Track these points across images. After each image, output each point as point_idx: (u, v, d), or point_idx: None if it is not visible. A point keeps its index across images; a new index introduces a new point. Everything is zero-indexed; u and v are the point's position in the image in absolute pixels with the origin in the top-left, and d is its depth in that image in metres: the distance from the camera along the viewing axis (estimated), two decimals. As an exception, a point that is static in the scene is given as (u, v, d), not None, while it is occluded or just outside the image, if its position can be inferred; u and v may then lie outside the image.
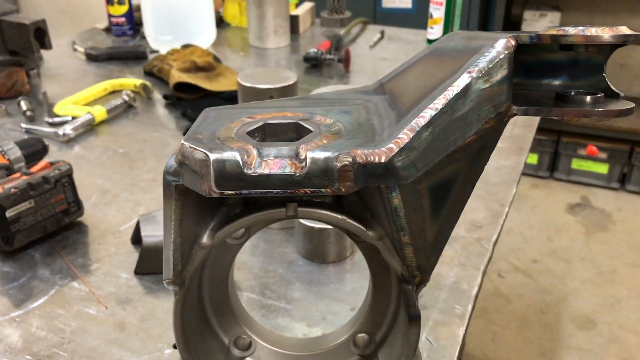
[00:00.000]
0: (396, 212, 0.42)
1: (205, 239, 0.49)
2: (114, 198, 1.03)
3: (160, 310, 0.79)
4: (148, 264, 0.85)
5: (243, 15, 1.95)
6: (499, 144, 1.19)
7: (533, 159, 3.14)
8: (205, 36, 1.74)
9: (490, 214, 0.99)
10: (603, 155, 3.01)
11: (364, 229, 0.48)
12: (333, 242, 0.86)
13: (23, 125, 1.27)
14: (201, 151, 0.37)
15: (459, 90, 0.36)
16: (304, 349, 0.61)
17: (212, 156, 0.37)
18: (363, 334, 0.59)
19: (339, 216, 0.48)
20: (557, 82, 0.41)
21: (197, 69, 1.44)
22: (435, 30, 1.68)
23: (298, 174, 0.36)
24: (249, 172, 0.37)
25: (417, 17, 2.86)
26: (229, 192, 0.37)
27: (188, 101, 1.37)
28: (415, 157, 0.36)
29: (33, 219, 0.90)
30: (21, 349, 0.72)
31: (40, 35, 1.49)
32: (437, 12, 1.61)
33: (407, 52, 1.76)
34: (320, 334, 0.73)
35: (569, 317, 2.27)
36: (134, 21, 1.87)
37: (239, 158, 0.37)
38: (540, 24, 2.95)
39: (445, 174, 0.40)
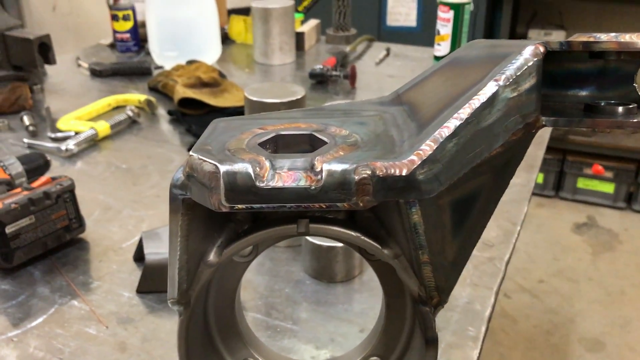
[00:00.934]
0: (415, 230, 0.40)
1: (212, 257, 0.47)
2: (116, 214, 1.01)
3: (162, 331, 0.76)
4: (151, 282, 0.82)
5: (248, 32, 1.94)
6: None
7: (538, 177, 3.11)
8: (210, 52, 1.73)
9: (502, 232, 0.96)
10: (609, 175, 2.99)
11: (379, 247, 0.46)
12: (341, 261, 0.84)
13: (25, 140, 1.26)
14: (211, 163, 0.35)
15: (485, 100, 0.33)
16: (314, 372, 0.58)
17: (222, 168, 0.34)
18: (375, 358, 0.57)
19: (353, 233, 0.46)
20: (584, 93, 0.39)
21: (202, 84, 1.43)
22: (442, 47, 1.67)
23: (313, 187, 0.34)
24: (262, 185, 0.34)
25: (421, 35, 2.86)
26: (240, 206, 0.35)
27: (193, 117, 1.36)
28: (438, 170, 0.34)
29: (33, 235, 0.87)
30: (18, 371, 0.70)
31: (44, 50, 1.48)
32: (445, 28, 1.60)
33: (413, 69, 1.74)
34: (329, 357, 0.71)
35: (576, 338, 2.23)
36: (138, 37, 1.86)
37: (250, 170, 0.34)
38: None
39: (469, 188, 0.37)
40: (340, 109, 0.45)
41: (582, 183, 3.05)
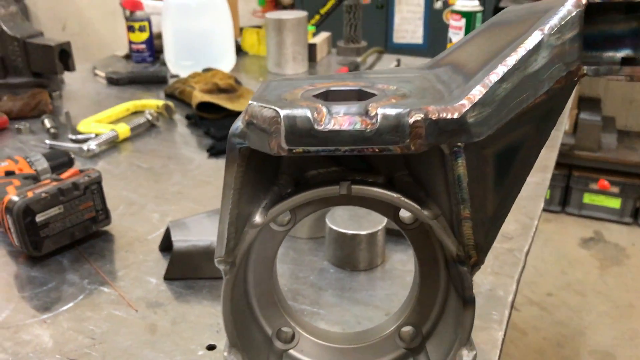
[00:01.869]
0: (459, 182, 0.41)
1: (257, 217, 0.49)
2: (140, 209, 1.03)
3: (192, 314, 0.77)
4: (178, 269, 0.84)
5: (261, 44, 1.98)
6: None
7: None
8: (225, 62, 1.76)
9: (520, 226, 0.98)
10: (615, 190, 3.00)
11: (419, 208, 0.48)
12: (365, 249, 0.85)
13: (47, 141, 1.28)
14: (271, 108, 0.37)
15: (531, 47, 0.36)
16: (348, 342, 0.59)
17: (283, 112, 0.37)
18: (409, 327, 0.58)
19: (394, 194, 0.48)
20: (619, 54, 0.41)
21: (219, 90, 1.46)
22: (452, 57, 1.69)
23: (369, 130, 0.36)
24: (319, 128, 0.36)
25: (427, 52, 2.90)
26: (298, 149, 0.37)
27: (210, 121, 1.38)
28: (487, 114, 0.36)
29: (61, 225, 0.89)
30: (52, 349, 0.71)
31: (64, 57, 1.52)
32: (456, 36, 1.64)
33: (424, 78, 1.77)
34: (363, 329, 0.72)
35: (587, 350, 2.22)
36: (153, 48, 1.90)
37: (309, 114, 0.36)
38: (550, 58, 2.99)
39: (513, 138, 0.39)
40: (382, 74, 0.47)
41: (588, 198, 3.06)
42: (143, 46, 1.87)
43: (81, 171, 0.94)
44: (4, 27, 1.51)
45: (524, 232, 0.96)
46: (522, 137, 0.40)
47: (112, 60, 1.96)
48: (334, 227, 0.85)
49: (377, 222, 0.86)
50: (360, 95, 0.42)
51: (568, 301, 2.49)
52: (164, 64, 1.83)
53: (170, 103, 1.45)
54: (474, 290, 0.80)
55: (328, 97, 0.42)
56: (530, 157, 0.41)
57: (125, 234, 0.95)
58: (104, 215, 0.95)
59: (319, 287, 0.83)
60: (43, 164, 1.07)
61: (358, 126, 0.36)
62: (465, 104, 0.36)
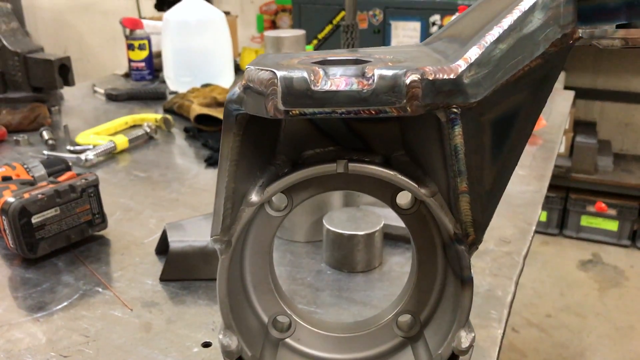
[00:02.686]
0: (456, 153, 0.42)
1: (254, 196, 0.49)
2: (137, 215, 1.03)
3: (187, 314, 0.76)
4: (174, 269, 0.83)
5: (259, 63, 1.99)
6: (520, 172, 1.19)
7: (542, 216, 3.12)
8: (224, 79, 1.77)
9: (518, 231, 0.98)
10: (612, 212, 3.00)
11: (416, 185, 0.48)
12: (362, 250, 0.85)
13: (45, 152, 1.28)
14: (268, 70, 0.37)
15: (526, 9, 0.36)
16: (345, 331, 0.58)
17: (280, 73, 0.37)
18: (406, 315, 0.58)
19: (391, 172, 0.48)
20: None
21: (217, 104, 1.47)
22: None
23: (365, 91, 0.36)
24: (316, 88, 0.37)
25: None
26: (295, 111, 0.37)
27: (209, 133, 1.39)
28: (483, 75, 0.36)
29: (57, 227, 0.89)
30: (45, 347, 0.70)
31: (64, 71, 1.53)
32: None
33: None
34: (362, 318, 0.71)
35: (587, 372, 2.20)
36: (153, 66, 1.91)
37: (306, 75, 0.37)
38: (546, 82, 3.02)
39: (509, 105, 0.40)
40: (379, 49, 0.48)
41: (585, 221, 3.06)
42: (142, 64, 1.88)
43: (78, 174, 0.94)
44: (5, 43, 1.53)
45: (522, 237, 0.96)
46: (519, 104, 0.40)
47: (112, 78, 1.98)
48: (332, 228, 0.85)
49: (374, 224, 0.86)
50: (357, 63, 0.42)
51: (568, 323, 2.47)
52: (163, 81, 1.85)
53: (169, 116, 1.46)
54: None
55: (325, 64, 0.43)
56: (527, 126, 0.41)
57: (121, 238, 0.95)
58: (101, 219, 0.94)
59: (316, 288, 0.82)
60: (40, 171, 1.07)
61: (355, 87, 0.36)
62: (462, 64, 0.36)
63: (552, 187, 3.07)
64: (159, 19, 2.08)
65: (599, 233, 3.05)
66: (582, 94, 3.18)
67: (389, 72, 0.36)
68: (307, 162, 0.50)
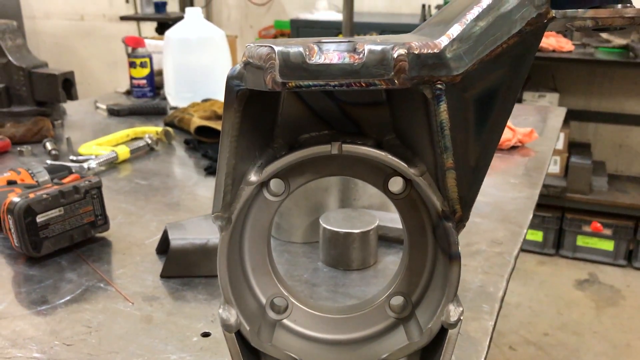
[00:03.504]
0: (442, 129, 0.45)
1: (253, 176, 0.51)
2: (138, 218, 1.05)
3: (187, 307, 0.79)
4: (175, 266, 0.85)
5: (258, 81, 2.04)
6: (513, 180, 1.22)
7: (538, 236, 3.15)
8: (223, 95, 1.81)
9: (509, 233, 1.00)
10: (608, 232, 3.02)
11: (406, 165, 0.51)
12: (358, 248, 0.87)
13: (48, 162, 1.31)
14: (266, 46, 0.40)
15: (503, -10, 0.40)
16: (340, 312, 0.61)
17: (277, 48, 0.40)
18: (399, 297, 0.60)
19: (382, 152, 0.51)
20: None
21: (217, 117, 1.50)
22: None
23: (356, 64, 0.40)
24: (311, 61, 0.40)
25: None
26: (291, 83, 0.40)
27: (209, 144, 1.42)
28: (465, 49, 0.40)
29: (61, 227, 0.91)
30: (48, 336, 0.72)
31: (67, 86, 1.57)
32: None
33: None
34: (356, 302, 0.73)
35: (585, 389, 2.20)
36: (154, 84, 1.96)
37: (302, 49, 0.40)
38: (540, 102, 3.07)
39: (490, 81, 0.43)
40: (371, 37, 0.51)
41: (581, 241, 3.08)
42: (144, 81, 1.93)
43: (82, 177, 0.97)
44: (10, 58, 1.57)
45: (513, 239, 0.98)
46: (499, 80, 0.43)
47: (113, 95, 2.02)
48: (328, 227, 0.87)
49: (369, 223, 0.89)
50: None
51: (565, 341, 2.47)
52: (164, 98, 1.89)
53: (170, 129, 1.49)
54: (463, 289, 0.82)
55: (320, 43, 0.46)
56: (507, 103, 0.44)
57: (123, 239, 0.97)
58: (103, 220, 0.97)
59: (313, 284, 0.84)
60: (44, 176, 1.10)
61: (346, 60, 0.40)
62: (444, 39, 0.40)
63: (547, 207, 3.10)
64: (161, 39, 2.13)
65: (595, 253, 3.07)
66: (576, 115, 3.23)
67: (378, 47, 0.40)
68: (303, 144, 0.53)
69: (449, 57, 0.40)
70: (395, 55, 0.39)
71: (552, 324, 2.59)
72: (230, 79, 0.44)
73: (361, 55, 0.40)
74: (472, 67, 0.41)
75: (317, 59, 0.40)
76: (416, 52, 0.40)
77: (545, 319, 2.62)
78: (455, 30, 0.40)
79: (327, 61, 0.40)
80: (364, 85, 0.40)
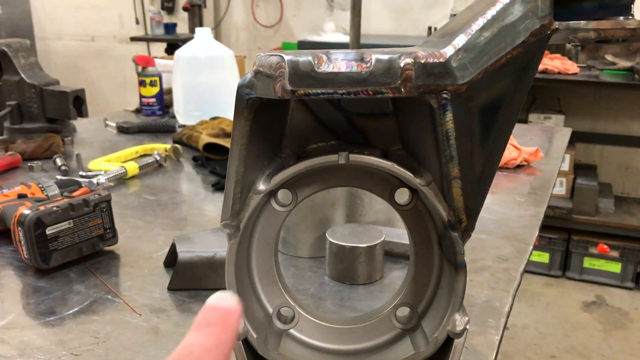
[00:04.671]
0: (447, 139, 0.45)
1: (261, 185, 0.52)
2: (146, 232, 1.06)
3: (194, 319, 0.79)
4: (182, 279, 0.86)
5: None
6: (518, 199, 1.22)
7: (544, 257, 3.14)
8: (232, 113, 1.83)
9: (515, 249, 1.01)
10: (615, 254, 3.01)
11: (412, 175, 0.52)
12: (364, 262, 0.88)
13: (58, 177, 1.32)
14: (276, 55, 0.42)
15: (507, 1, 0.41)
16: (346, 323, 0.61)
17: (287, 57, 0.41)
18: (405, 309, 0.60)
19: (388, 162, 0.52)
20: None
21: (225, 135, 1.52)
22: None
23: (364, 72, 0.41)
24: (320, 70, 0.41)
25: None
26: (300, 91, 0.41)
27: (216, 161, 1.43)
28: (469, 59, 0.41)
29: (70, 239, 0.92)
30: (56, 346, 0.72)
31: (78, 103, 1.59)
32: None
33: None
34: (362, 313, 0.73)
35: (593, 413, 2.17)
36: (163, 102, 1.98)
37: (310, 58, 0.41)
38: (545, 124, 3.08)
39: (495, 92, 0.44)
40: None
41: (588, 262, 3.07)
42: (153, 100, 1.95)
43: (91, 190, 0.98)
44: (23, 76, 1.60)
45: (519, 255, 0.99)
46: (503, 90, 0.44)
47: (123, 113, 2.04)
48: (334, 241, 0.88)
49: (375, 237, 0.89)
50: (357, 55, 0.47)
51: (572, 364, 2.45)
52: (173, 117, 1.91)
53: (178, 146, 1.51)
54: (469, 304, 0.82)
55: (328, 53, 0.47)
56: (512, 113, 0.45)
57: (131, 252, 0.98)
58: (112, 234, 0.98)
59: (319, 298, 0.85)
60: (54, 190, 1.11)
61: (354, 69, 0.41)
62: (450, 49, 0.41)
63: (553, 228, 3.09)
64: (170, 58, 2.16)
65: (602, 275, 3.05)
66: (581, 137, 3.24)
67: (385, 56, 0.41)
68: (310, 154, 0.54)
69: (455, 67, 0.41)
70: (402, 64, 0.41)
71: (559, 346, 2.57)
72: (240, 88, 0.45)
73: (369, 64, 0.41)
74: (477, 76, 0.42)
75: (326, 67, 0.41)
76: (422, 62, 0.41)
77: (552, 341, 2.60)
78: (460, 40, 0.41)
79: (335, 70, 0.41)
80: (371, 93, 0.41)
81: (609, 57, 2.95)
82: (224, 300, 0.32)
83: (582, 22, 0.42)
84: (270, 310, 0.60)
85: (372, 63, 0.41)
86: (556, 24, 0.42)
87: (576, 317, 2.80)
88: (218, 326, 0.31)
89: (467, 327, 0.53)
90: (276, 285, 0.60)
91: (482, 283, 0.89)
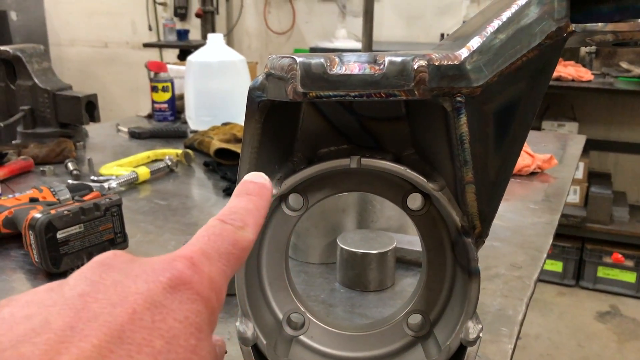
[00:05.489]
0: (461, 142, 0.45)
1: (272, 189, 0.52)
2: (156, 237, 1.06)
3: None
4: (192, 284, 0.85)
5: (277, 106, 2.06)
6: (532, 206, 1.21)
7: (558, 266, 3.10)
8: (243, 119, 1.83)
9: (529, 257, 0.99)
10: (630, 264, 2.97)
11: (425, 180, 0.51)
12: (375, 269, 0.87)
13: (69, 181, 1.33)
14: (288, 57, 0.41)
15: (522, 4, 0.40)
16: (357, 330, 0.60)
17: (299, 59, 0.41)
18: (417, 317, 0.59)
19: (401, 167, 0.51)
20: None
21: (236, 140, 1.52)
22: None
23: (377, 74, 0.40)
24: (332, 72, 0.40)
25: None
26: (312, 93, 0.41)
27: (228, 167, 1.43)
28: (484, 61, 0.40)
29: (80, 243, 0.92)
30: (65, 350, 0.72)
31: (90, 108, 1.60)
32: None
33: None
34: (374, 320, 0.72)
35: None
36: (175, 108, 1.98)
37: (323, 61, 0.41)
38: (559, 132, 3.06)
39: (510, 95, 0.43)
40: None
41: (602, 272, 3.03)
42: (165, 105, 1.95)
43: (102, 195, 0.98)
44: (36, 81, 1.61)
45: (533, 263, 0.97)
46: (518, 94, 0.43)
47: (135, 119, 2.05)
48: (345, 247, 0.87)
49: (387, 244, 0.88)
50: (370, 60, 0.46)
51: (586, 374, 2.42)
52: (184, 122, 1.91)
53: (190, 151, 1.51)
54: (482, 312, 0.81)
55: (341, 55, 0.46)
56: (527, 117, 0.45)
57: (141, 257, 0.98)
58: (122, 238, 0.98)
59: (330, 304, 0.84)
60: (66, 194, 1.11)
61: (367, 71, 0.40)
62: (464, 51, 0.40)
63: (567, 237, 3.06)
64: (182, 64, 2.17)
65: (617, 285, 3.01)
66: (595, 145, 3.21)
67: (399, 59, 0.40)
68: (322, 159, 0.53)
69: (469, 69, 0.40)
70: (415, 67, 0.40)
71: (572, 356, 2.53)
72: (252, 90, 0.45)
73: (382, 66, 0.40)
74: (491, 79, 0.41)
75: (338, 69, 0.41)
76: (436, 64, 0.40)
77: (565, 352, 2.56)
78: (475, 42, 0.40)
79: (348, 72, 0.40)
80: (383, 95, 0.41)
81: (624, 64, 2.92)
82: (259, 177, 0.39)
83: (599, 24, 0.41)
84: (281, 316, 0.59)
85: (385, 65, 0.40)
86: (573, 26, 0.41)
87: (590, 327, 2.77)
88: (255, 195, 0.38)
89: (481, 335, 0.52)
90: (286, 290, 0.60)
91: (495, 291, 0.88)
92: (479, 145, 0.45)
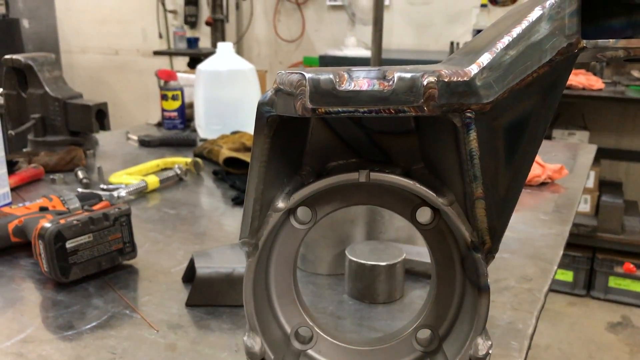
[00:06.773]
0: (471, 158, 0.44)
1: (280, 203, 0.52)
2: (165, 247, 1.06)
3: (211, 336, 0.78)
4: (200, 295, 0.85)
5: (286, 115, 2.06)
6: (542, 217, 1.20)
7: (568, 276, 3.08)
8: (253, 127, 1.83)
9: (539, 269, 0.98)
10: (641, 274, 2.94)
11: (434, 194, 0.50)
12: (384, 281, 0.86)
13: (79, 190, 1.33)
14: (297, 73, 0.41)
15: (533, 20, 0.40)
16: (366, 344, 0.60)
17: (308, 75, 0.41)
18: (426, 331, 0.59)
19: (410, 181, 0.51)
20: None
21: (245, 149, 1.52)
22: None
23: (386, 91, 0.40)
24: (341, 88, 0.40)
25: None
26: (321, 109, 0.41)
27: (237, 175, 1.43)
28: (494, 78, 0.40)
29: (90, 253, 0.92)
30: (73, 361, 0.72)
31: (100, 116, 1.60)
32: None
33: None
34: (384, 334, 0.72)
35: None
36: (184, 116, 1.99)
37: (332, 76, 0.40)
38: (570, 140, 3.04)
39: (520, 110, 0.42)
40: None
41: (613, 282, 3.00)
42: (175, 114, 1.96)
43: (112, 204, 0.98)
44: (47, 89, 1.62)
45: (543, 275, 0.96)
46: (529, 109, 0.43)
47: (145, 127, 2.06)
48: (354, 259, 0.87)
49: (396, 256, 0.88)
50: (379, 73, 0.46)
51: (597, 386, 2.39)
52: (194, 130, 1.92)
53: (199, 160, 1.51)
54: (492, 325, 0.80)
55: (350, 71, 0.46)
56: (537, 132, 0.44)
57: (149, 267, 0.98)
58: (131, 248, 0.98)
59: (338, 317, 0.83)
60: (75, 203, 1.12)
61: (376, 87, 0.40)
62: (474, 68, 0.40)
63: (578, 246, 3.04)
64: (192, 72, 2.18)
65: (628, 295, 2.98)
66: (606, 154, 3.18)
67: (408, 75, 0.40)
68: (331, 172, 0.53)
69: (479, 85, 0.40)
70: (424, 83, 0.40)
71: (583, 367, 2.51)
72: (261, 105, 0.45)
73: (391, 83, 0.40)
74: (502, 95, 0.41)
75: (347, 85, 0.40)
76: (446, 80, 0.40)
77: (576, 362, 2.54)
78: (485, 58, 0.40)
79: (357, 88, 0.40)
80: (393, 112, 0.40)
81: (635, 73, 2.91)
82: None
83: (611, 40, 0.41)
84: (289, 330, 0.59)
85: (395, 81, 0.40)
86: (584, 42, 0.40)
87: (601, 338, 2.74)
88: None
89: (490, 351, 0.51)
90: (294, 304, 0.59)
91: (505, 304, 0.87)
92: (489, 160, 0.45)
